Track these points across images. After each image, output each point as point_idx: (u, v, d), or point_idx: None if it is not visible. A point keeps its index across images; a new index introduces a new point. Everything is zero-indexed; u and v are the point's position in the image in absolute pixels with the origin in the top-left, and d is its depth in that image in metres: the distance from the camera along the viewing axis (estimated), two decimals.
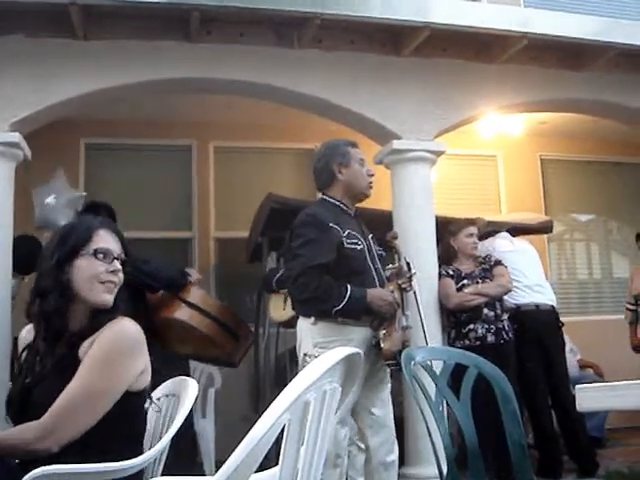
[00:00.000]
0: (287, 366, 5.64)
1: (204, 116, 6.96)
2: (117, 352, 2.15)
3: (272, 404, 1.28)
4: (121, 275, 2.29)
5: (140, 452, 2.22)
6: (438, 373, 3.01)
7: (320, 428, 1.37)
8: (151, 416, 2.60)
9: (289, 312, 4.76)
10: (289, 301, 4.70)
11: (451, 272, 5.32)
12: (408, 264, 3.87)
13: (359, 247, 3.74)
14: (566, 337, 5.85)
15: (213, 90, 5.59)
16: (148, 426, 2.59)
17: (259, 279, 5.89)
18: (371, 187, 3.91)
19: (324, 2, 5.01)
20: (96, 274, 2.24)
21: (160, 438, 2.37)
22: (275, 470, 1.54)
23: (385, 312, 3.70)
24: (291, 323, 4.83)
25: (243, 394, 6.76)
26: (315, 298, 3.68)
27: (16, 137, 4.94)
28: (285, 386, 4.73)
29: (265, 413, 1.26)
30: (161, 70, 5.18)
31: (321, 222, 3.72)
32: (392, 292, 3.78)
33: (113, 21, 5.11)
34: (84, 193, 5.58)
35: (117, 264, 2.27)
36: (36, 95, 5.00)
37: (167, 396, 2.59)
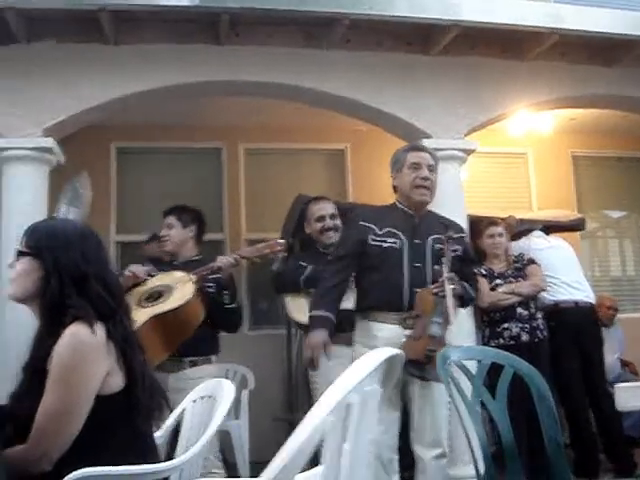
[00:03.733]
0: None
1: (233, 118, 6.98)
2: (72, 364, 2.09)
3: (316, 405, 1.27)
4: (17, 268, 2.29)
5: (149, 456, 2.22)
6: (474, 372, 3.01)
7: (361, 429, 1.37)
8: (188, 419, 2.62)
9: None
10: None
11: (484, 271, 5.31)
12: (444, 267, 3.82)
13: (385, 245, 3.85)
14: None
15: (242, 92, 5.60)
16: (185, 428, 2.61)
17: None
18: (418, 190, 3.93)
19: (352, 3, 5.01)
20: None
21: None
22: (317, 470, 1.53)
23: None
24: None
25: (276, 395, 6.77)
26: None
27: (49, 142, 5.01)
28: None
29: (309, 414, 1.26)
30: (190, 73, 5.21)
31: (353, 220, 4.06)
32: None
33: (142, 26, 5.16)
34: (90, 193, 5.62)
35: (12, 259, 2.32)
36: (68, 100, 5.05)
37: (202, 398, 2.59)
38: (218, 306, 4.26)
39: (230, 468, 5.11)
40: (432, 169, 4.00)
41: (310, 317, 3.86)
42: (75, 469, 1.93)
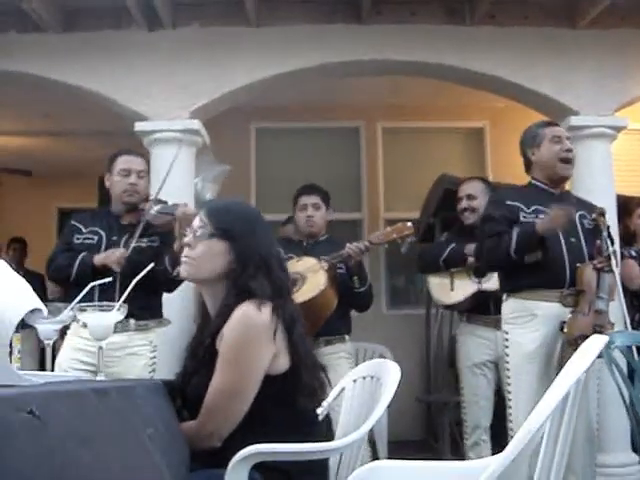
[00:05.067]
0: None
1: (371, 97, 6.97)
2: (243, 344, 2.13)
3: (547, 393, 1.27)
4: (192, 250, 2.28)
5: (313, 434, 2.22)
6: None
7: (572, 414, 1.36)
8: (348, 399, 2.62)
9: (460, 293, 4.68)
10: (459, 281, 4.65)
11: (634, 253, 5.13)
12: (606, 242, 3.75)
13: (538, 221, 3.76)
14: None
15: (384, 71, 5.56)
16: (345, 409, 2.61)
17: None
18: (565, 163, 3.91)
19: None
20: None
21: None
22: None
23: (561, 223, 3.64)
24: (462, 305, 4.73)
25: (414, 376, 6.75)
26: (490, 254, 3.86)
27: (195, 124, 5.13)
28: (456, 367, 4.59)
29: (539, 404, 1.25)
30: (332, 53, 5.21)
31: (498, 200, 3.99)
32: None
33: (284, 7, 5.21)
34: (228, 167, 5.67)
35: (188, 238, 2.30)
36: (213, 83, 5.17)
37: (364, 378, 2.58)
38: (348, 289, 4.28)
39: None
40: (570, 142, 4.01)
41: (518, 236, 3.70)
42: (244, 446, 1.96)
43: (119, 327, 3.66)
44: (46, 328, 2.25)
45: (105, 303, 2.32)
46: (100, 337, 2.29)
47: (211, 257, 2.27)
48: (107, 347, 3.61)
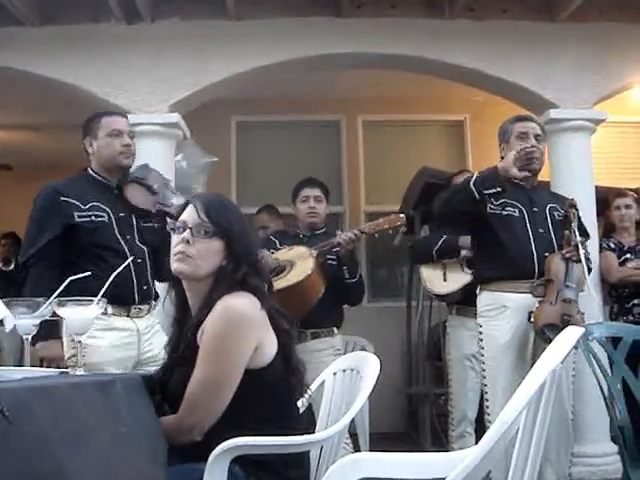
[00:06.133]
0: (440, 339, 5.59)
1: (352, 91, 6.98)
2: (224, 337, 2.12)
3: (523, 384, 1.28)
4: (191, 247, 2.21)
5: (294, 427, 2.22)
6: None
7: (548, 404, 1.38)
8: (329, 391, 2.63)
9: (453, 284, 4.71)
10: (451, 272, 4.68)
11: (612, 245, 5.14)
12: (574, 232, 3.77)
13: (504, 213, 3.83)
14: None
15: (364, 65, 5.58)
16: (326, 401, 2.62)
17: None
18: (526, 161, 3.75)
19: None
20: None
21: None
22: None
23: (521, 164, 3.63)
24: (453, 297, 4.76)
25: (395, 368, 6.78)
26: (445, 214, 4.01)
27: (175, 117, 5.12)
28: (436, 359, 4.67)
29: (514, 396, 1.26)
30: (312, 47, 5.22)
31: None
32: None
33: (264, 0, 5.18)
34: (215, 159, 5.65)
35: (186, 234, 2.23)
36: (193, 76, 5.15)
37: (344, 370, 2.59)
38: (338, 280, 4.28)
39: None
40: (540, 139, 3.95)
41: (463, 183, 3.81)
42: (225, 439, 1.96)
43: (146, 311, 3.49)
44: (25, 323, 2.23)
45: (84, 298, 2.29)
46: (79, 331, 2.27)
47: (209, 256, 2.24)
48: (143, 333, 3.47)
